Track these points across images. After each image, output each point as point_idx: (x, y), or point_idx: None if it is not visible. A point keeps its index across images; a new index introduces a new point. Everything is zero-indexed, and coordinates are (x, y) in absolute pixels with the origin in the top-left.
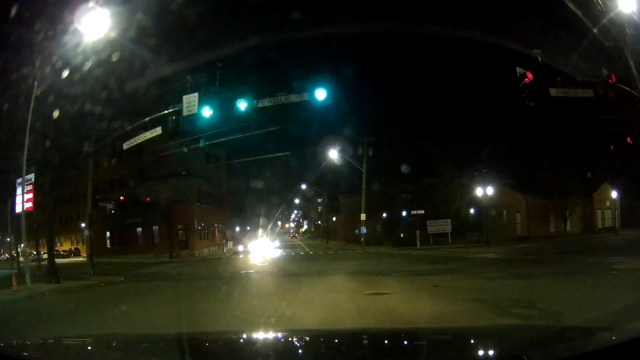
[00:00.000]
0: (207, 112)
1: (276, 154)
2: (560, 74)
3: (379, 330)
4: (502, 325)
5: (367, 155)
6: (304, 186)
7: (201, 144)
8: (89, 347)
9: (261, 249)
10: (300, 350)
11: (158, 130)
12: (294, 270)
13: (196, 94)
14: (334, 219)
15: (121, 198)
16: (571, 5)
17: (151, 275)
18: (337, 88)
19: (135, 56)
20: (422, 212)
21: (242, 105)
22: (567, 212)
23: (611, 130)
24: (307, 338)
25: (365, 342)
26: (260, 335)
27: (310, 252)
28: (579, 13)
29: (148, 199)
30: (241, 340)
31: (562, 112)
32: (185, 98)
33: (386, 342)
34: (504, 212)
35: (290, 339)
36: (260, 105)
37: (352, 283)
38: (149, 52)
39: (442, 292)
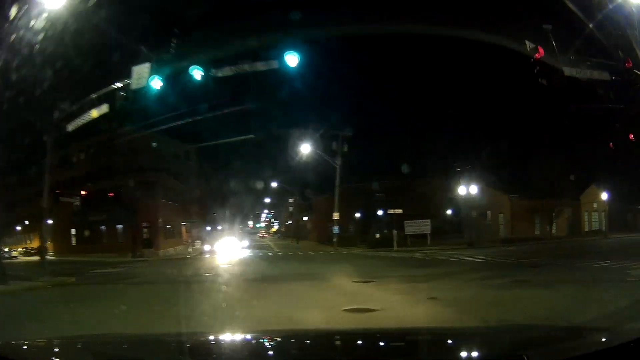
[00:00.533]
0: (156, 83)
1: (240, 137)
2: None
3: (379, 331)
4: (502, 325)
5: (341, 150)
6: (274, 184)
7: (155, 128)
8: (88, 347)
9: (228, 249)
10: (300, 350)
11: (105, 109)
12: (258, 274)
13: (147, 64)
14: (305, 218)
15: (82, 192)
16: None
17: (105, 277)
18: (311, 56)
19: (85, 28)
20: (400, 211)
21: (197, 73)
22: (553, 214)
23: (612, 126)
24: (307, 338)
25: (365, 342)
26: (260, 335)
27: (279, 253)
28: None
29: (112, 194)
30: (241, 341)
31: (566, 101)
32: (135, 69)
33: (386, 342)
34: (487, 213)
35: (290, 338)
36: (220, 74)
37: (326, 293)
38: (100, 22)
39: (449, 309)
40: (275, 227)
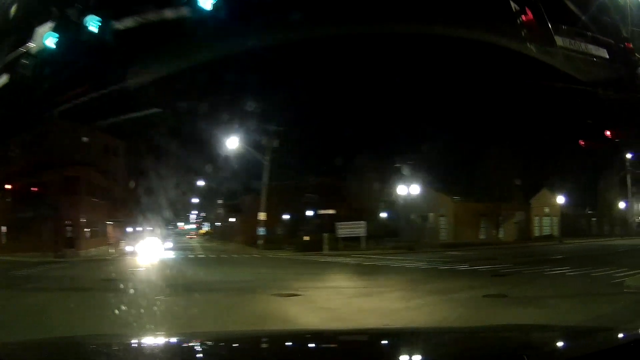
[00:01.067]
0: (50, 41)
1: (145, 112)
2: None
3: (380, 330)
4: (503, 326)
5: (271, 146)
6: (201, 183)
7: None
8: (86, 348)
9: (150, 250)
10: (300, 350)
11: (4, 80)
12: (165, 281)
13: (50, 23)
14: (233, 219)
15: (7, 187)
16: None
17: (11, 280)
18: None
19: None
20: (333, 212)
21: (92, 25)
22: (500, 217)
23: (585, 122)
24: (307, 338)
25: (365, 342)
26: (259, 335)
27: (201, 255)
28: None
29: (35, 189)
30: (241, 340)
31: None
32: (37, 30)
33: (386, 342)
34: (429, 215)
35: (290, 338)
36: (120, 26)
37: (232, 314)
38: None
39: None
40: (206, 228)
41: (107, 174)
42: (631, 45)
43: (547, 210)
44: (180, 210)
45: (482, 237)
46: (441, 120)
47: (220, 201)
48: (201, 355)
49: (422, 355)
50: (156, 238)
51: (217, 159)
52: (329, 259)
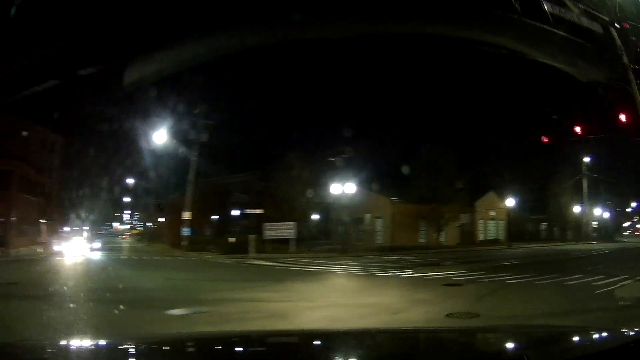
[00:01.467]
0: None
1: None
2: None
3: (379, 330)
4: (502, 326)
5: (199, 141)
6: (134, 181)
7: None
8: (87, 349)
9: (76, 251)
10: (299, 350)
11: None
12: (63, 285)
13: None
14: (162, 219)
15: None
16: None
17: None
18: None
19: None
20: (260, 211)
21: None
22: (442, 220)
23: (550, 118)
24: (307, 338)
25: (365, 341)
26: (259, 335)
27: (124, 257)
28: None
29: None
30: (240, 340)
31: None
32: None
33: (386, 342)
34: (364, 217)
35: (289, 338)
36: None
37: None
38: None
39: None
40: (140, 228)
41: (42, 170)
42: (628, 25)
43: (493, 213)
44: (116, 210)
45: (421, 240)
46: (381, 118)
47: (152, 201)
48: (201, 355)
49: (422, 355)
50: (83, 238)
51: (150, 157)
52: (254, 263)
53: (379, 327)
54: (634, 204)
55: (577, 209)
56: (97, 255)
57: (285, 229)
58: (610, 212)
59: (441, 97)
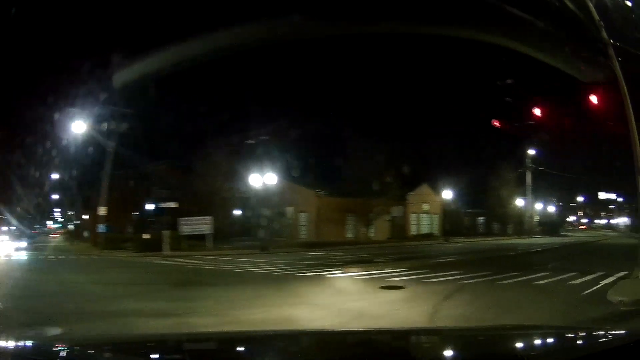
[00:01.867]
0: None
1: None
2: None
3: (379, 330)
4: (503, 326)
5: (117, 130)
6: (60, 177)
7: None
8: (87, 349)
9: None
10: (298, 350)
11: None
12: None
13: None
14: (87, 216)
15: None
16: None
17: None
18: None
19: None
20: (174, 205)
21: None
22: (371, 214)
23: (508, 97)
24: (306, 338)
25: (365, 341)
26: (259, 335)
27: (42, 257)
28: None
29: None
30: (240, 340)
31: None
32: None
33: (386, 341)
34: (286, 210)
35: (289, 338)
36: None
37: None
38: None
39: None
40: (71, 226)
41: None
42: None
43: (426, 207)
44: (49, 208)
45: (349, 235)
46: (308, 107)
47: (77, 198)
48: (200, 355)
49: (422, 355)
50: (7, 237)
51: (72, 150)
52: (167, 261)
53: (379, 328)
54: (580, 199)
55: (519, 202)
56: (20, 255)
57: (201, 224)
58: (554, 206)
59: (376, 84)
